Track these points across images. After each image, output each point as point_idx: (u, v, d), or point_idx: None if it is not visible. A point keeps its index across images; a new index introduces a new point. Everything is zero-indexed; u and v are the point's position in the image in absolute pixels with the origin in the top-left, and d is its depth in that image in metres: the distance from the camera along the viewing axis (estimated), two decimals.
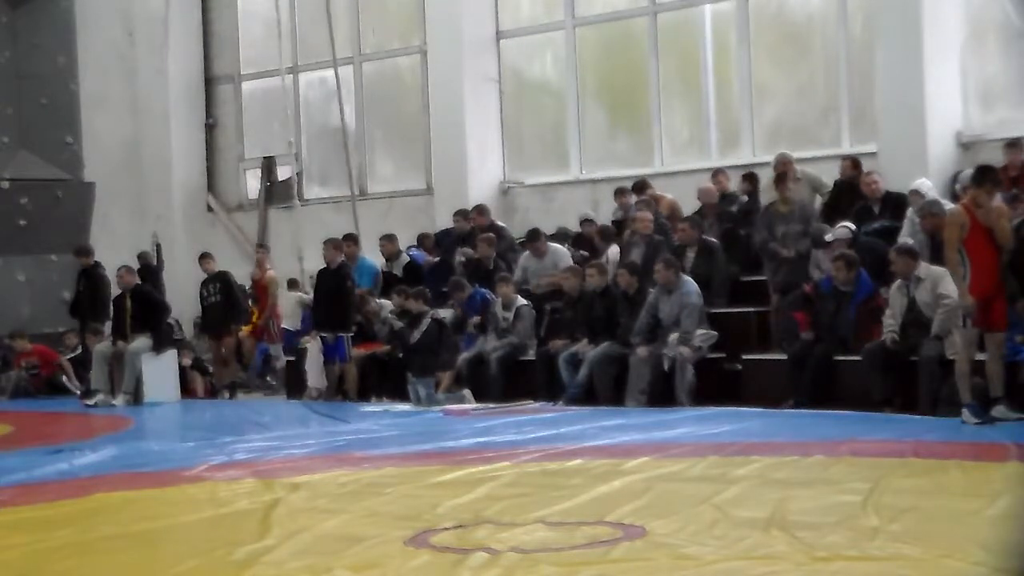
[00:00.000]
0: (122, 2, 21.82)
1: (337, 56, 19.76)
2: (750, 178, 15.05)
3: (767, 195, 14.08)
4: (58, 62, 20.39)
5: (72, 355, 18.38)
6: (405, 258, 16.64)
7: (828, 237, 13.02)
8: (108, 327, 16.87)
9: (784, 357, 12.51)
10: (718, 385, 12.85)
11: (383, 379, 15.19)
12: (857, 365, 11.77)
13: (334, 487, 8.31)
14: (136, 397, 16.03)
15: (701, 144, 17.26)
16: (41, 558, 6.42)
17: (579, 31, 18.21)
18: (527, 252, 15.55)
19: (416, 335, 14.22)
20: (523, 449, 9.71)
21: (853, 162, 14.36)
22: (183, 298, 18.52)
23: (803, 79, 16.70)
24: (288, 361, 17.03)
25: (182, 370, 16.84)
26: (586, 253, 15.54)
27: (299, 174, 20.83)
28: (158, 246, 19.52)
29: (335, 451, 10.31)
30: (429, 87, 19.11)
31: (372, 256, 16.93)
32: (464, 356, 14.56)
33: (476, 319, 14.88)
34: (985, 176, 10.45)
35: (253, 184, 21.55)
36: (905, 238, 12.61)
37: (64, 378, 18.01)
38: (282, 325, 17.85)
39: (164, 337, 16.39)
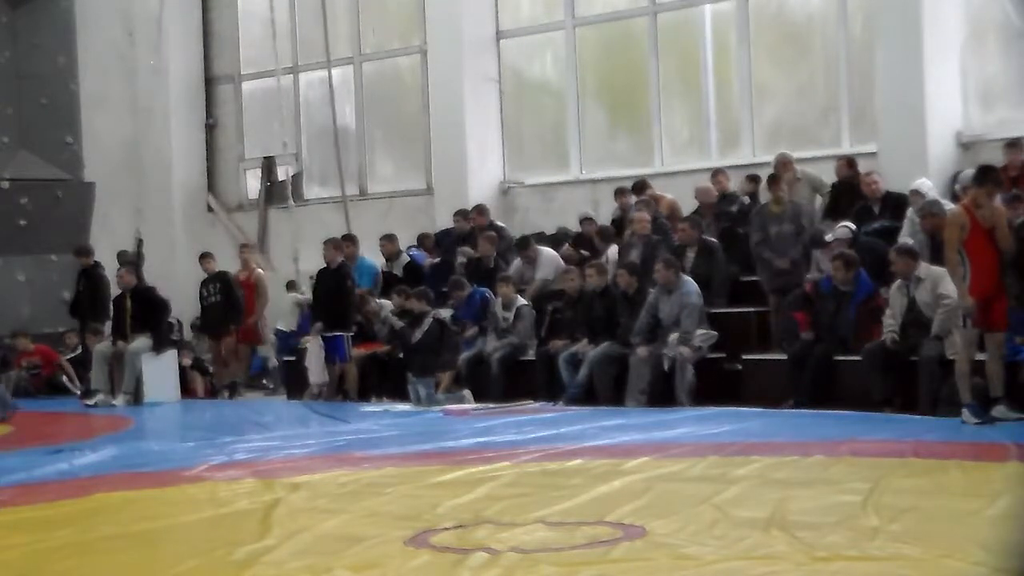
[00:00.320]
0: (122, 2, 21.81)
1: (337, 56, 19.77)
2: (754, 179, 15.03)
3: (765, 195, 14.09)
4: (58, 62, 20.38)
5: (72, 355, 18.38)
6: (405, 258, 16.64)
7: (828, 237, 13.03)
8: (108, 327, 16.86)
9: (784, 357, 12.51)
10: (718, 385, 12.85)
11: (383, 379, 15.19)
12: (857, 365, 11.78)
13: (334, 487, 8.31)
14: (136, 397, 16.02)
15: (701, 144, 17.25)
16: (41, 558, 6.42)
17: (579, 31, 18.20)
18: (518, 259, 15.56)
19: (417, 335, 14.21)
20: (523, 449, 9.71)
21: (848, 162, 14.36)
22: (183, 298, 18.50)
23: (803, 79, 16.70)
24: (287, 361, 17.04)
25: (182, 370, 16.83)
26: (586, 253, 15.54)
27: (296, 175, 20.83)
28: (140, 241, 19.48)
29: (335, 451, 10.31)
30: (429, 87, 19.10)
31: (372, 256, 16.93)
32: (464, 356, 14.56)
33: (474, 330, 14.86)
34: (986, 176, 10.45)
35: (253, 184, 21.55)
36: (905, 238, 12.62)
37: (65, 378, 18.01)
38: (277, 326, 17.87)
39: (164, 337, 16.39)
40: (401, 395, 14.48)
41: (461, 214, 16.76)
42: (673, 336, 12.97)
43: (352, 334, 15.27)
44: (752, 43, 16.63)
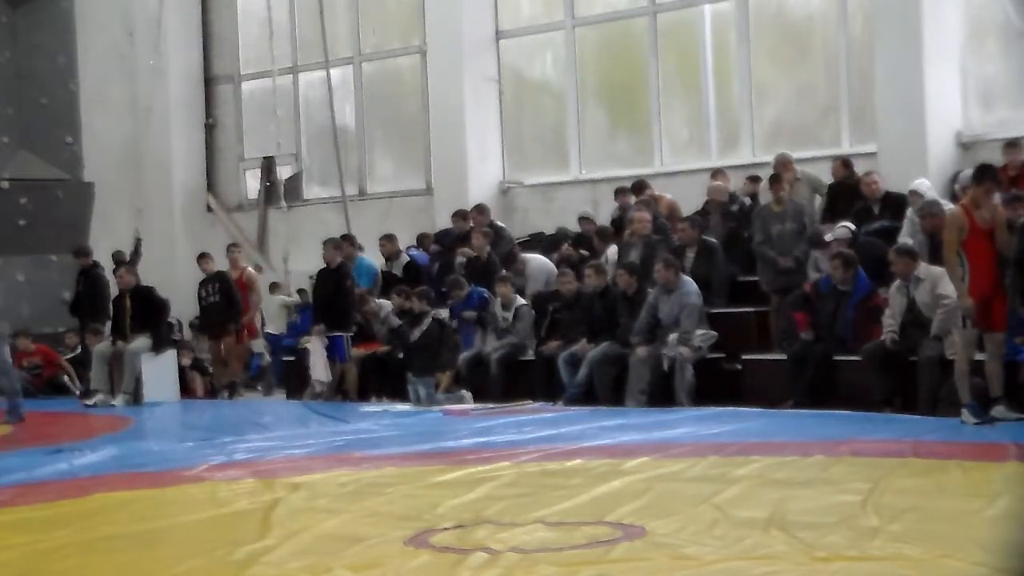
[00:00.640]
0: (122, 2, 21.82)
1: (337, 56, 19.77)
2: (756, 180, 15.02)
3: (765, 195, 14.09)
4: (58, 62, 20.38)
5: (71, 355, 18.38)
6: (405, 258, 16.64)
7: (828, 237, 13.03)
8: (108, 327, 16.86)
9: (784, 357, 12.51)
10: (718, 385, 12.85)
11: (383, 379, 15.19)
12: (857, 365, 11.77)
13: (334, 487, 8.31)
14: (136, 397, 16.02)
15: (701, 144, 17.25)
16: (41, 558, 6.41)
17: (579, 31, 18.21)
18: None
19: (416, 334, 14.21)
20: (523, 449, 9.71)
21: (844, 162, 14.36)
22: (182, 298, 18.51)
23: (803, 79, 16.70)
24: (286, 361, 17.04)
25: (182, 370, 16.84)
26: (585, 253, 15.55)
27: (290, 178, 20.83)
28: (138, 240, 19.48)
29: (335, 451, 10.30)
30: (429, 87, 19.11)
31: (372, 256, 16.93)
32: (464, 356, 14.57)
33: (473, 315, 14.87)
34: (984, 175, 10.46)
35: (253, 184, 21.55)
36: (905, 238, 12.62)
37: (66, 378, 18.00)
38: (266, 329, 17.87)
39: (163, 337, 16.39)
40: (401, 395, 14.48)
41: (459, 215, 16.76)
42: (673, 336, 12.97)
43: (352, 334, 15.28)
44: (752, 43, 16.63)
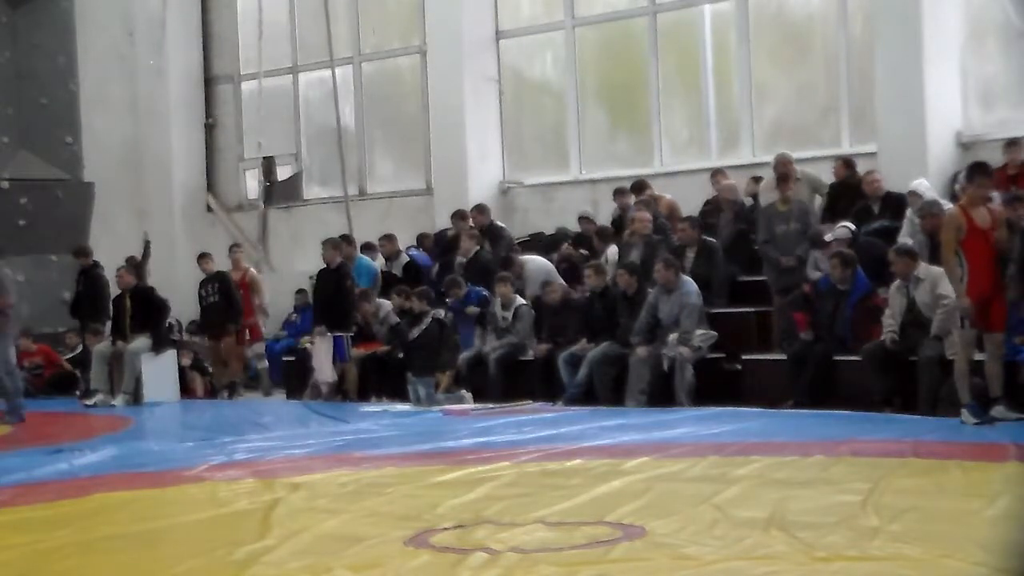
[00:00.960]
0: (122, 2, 21.81)
1: (337, 56, 19.77)
2: (759, 180, 15.01)
3: (766, 195, 14.08)
4: (58, 62, 20.38)
5: (71, 355, 18.37)
6: (405, 258, 16.64)
7: (828, 237, 13.03)
8: (108, 327, 16.86)
9: (784, 357, 12.51)
10: (718, 385, 12.85)
11: (383, 379, 15.19)
12: (857, 365, 11.78)
13: (334, 487, 8.31)
14: (136, 397, 16.03)
15: (701, 144, 17.25)
16: (41, 558, 6.42)
17: (579, 31, 18.20)
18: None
19: (415, 333, 14.21)
20: (523, 449, 9.71)
21: (845, 162, 14.37)
22: (183, 298, 18.50)
23: (803, 79, 16.69)
24: (286, 361, 17.03)
25: (182, 370, 16.83)
26: (585, 252, 15.55)
27: (289, 178, 20.84)
28: (147, 243, 19.50)
29: (335, 451, 10.31)
30: (429, 87, 19.10)
31: (371, 256, 16.93)
32: (464, 356, 14.57)
33: (476, 310, 14.88)
34: (976, 172, 10.50)
35: (253, 184, 21.55)
36: (905, 238, 12.62)
37: (78, 372, 17.92)
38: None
39: (163, 337, 16.39)
40: (401, 395, 14.48)
41: (459, 215, 16.75)
42: (673, 336, 12.97)
43: (352, 334, 15.27)
44: (752, 43, 16.63)
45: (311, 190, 20.98)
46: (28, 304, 19.19)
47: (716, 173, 15.53)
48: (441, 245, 17.09)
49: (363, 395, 15.20)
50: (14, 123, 20.01)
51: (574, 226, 16.57)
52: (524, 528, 6.52)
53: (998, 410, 10.22)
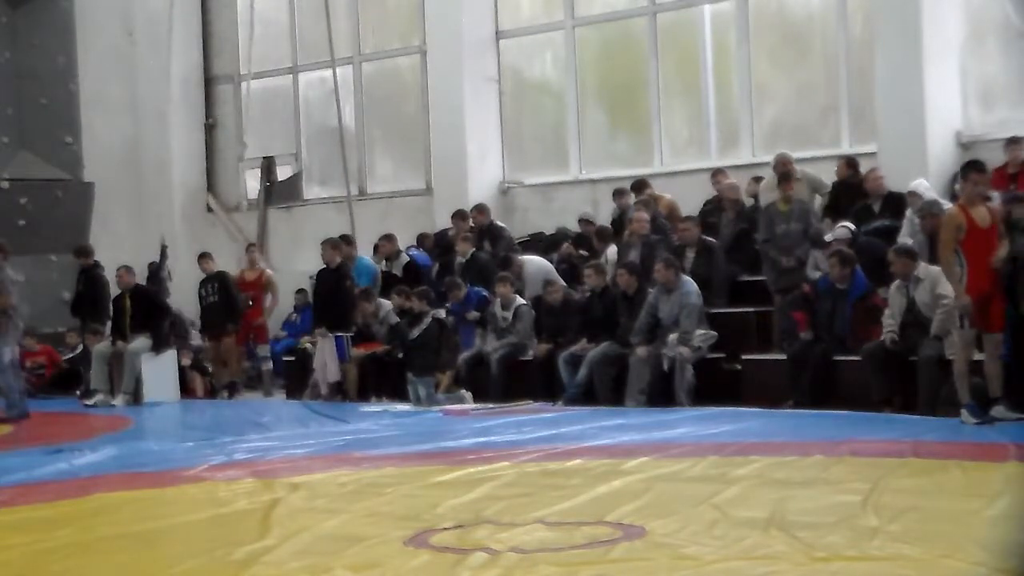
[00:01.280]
0: (122, 2, 21.81)
1: (337, 56, 19.77)
2: (760, 180, 15.01)
3: (766, 195, 14.08)
4: (58, 62, 20.37)
5: (71, 355, 18.37)
6: (405, 258, 16.63)
7: (828, 237, 13.03)
8: (108, 327, 16.86)
9: (784, 357, 12.51)
10: (718, 385, 12.84)
11: (383, 379, 15.19)
12: (857, 365, 11.78)
13: (334, 487, 8.31)
14: (136, 397, 16.03)
15: (701, 144, 17.25)
16: (41, 558, 6.42)
17: (579, 31, 18.20)
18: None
19: (415, 332, 14.21)
20: (523, 449, 9.71)
21: (848, 162, 14.37)
22: (183, 298, 18.49)
23: (803, 79, 16.70)
24: (286, 361, 17.03)
25: (182, 370, 16.83)
26: (585, 253, 15.55)
27: (289, 178, 20.84)
28: (164, 248, 19.52)
29: (335, 451, 10.30)
30: (429, 87, 19.10)
31: (371, 256, 16.93)
32: (464, 356, 14.57)
33: (476, 315, 14.89)
34: (968, 168, 10.54)
35: (253, 184, 21.55)
36: (905, 238, 12.62)
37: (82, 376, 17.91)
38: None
39: (163, 337, 16.38)
40: (401, 395, 14.48)
41: (459, 215, 16.75)
42: (673, 336, 12.97)
43: (351, 334, 15.27)
44: (752, 43, 16.63)
45: (311, 190, 20.98)
46: (28, 304, 19.18)
47: (717, 173, 15.53)
48: (441, 245, 17.09)
49: (363, 395, 15.20)
50: (14, 123, 20.00)
51: (574, 226, 16.57)
52: (524, 528, 6.52)
53: (998, 410, 10.22)
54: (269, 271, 17.74)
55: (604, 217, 16.38)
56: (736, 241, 14.55)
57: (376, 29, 20.41)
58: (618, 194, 15.92)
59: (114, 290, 16.83)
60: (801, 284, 12.82)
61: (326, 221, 19.19)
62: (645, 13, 17.55)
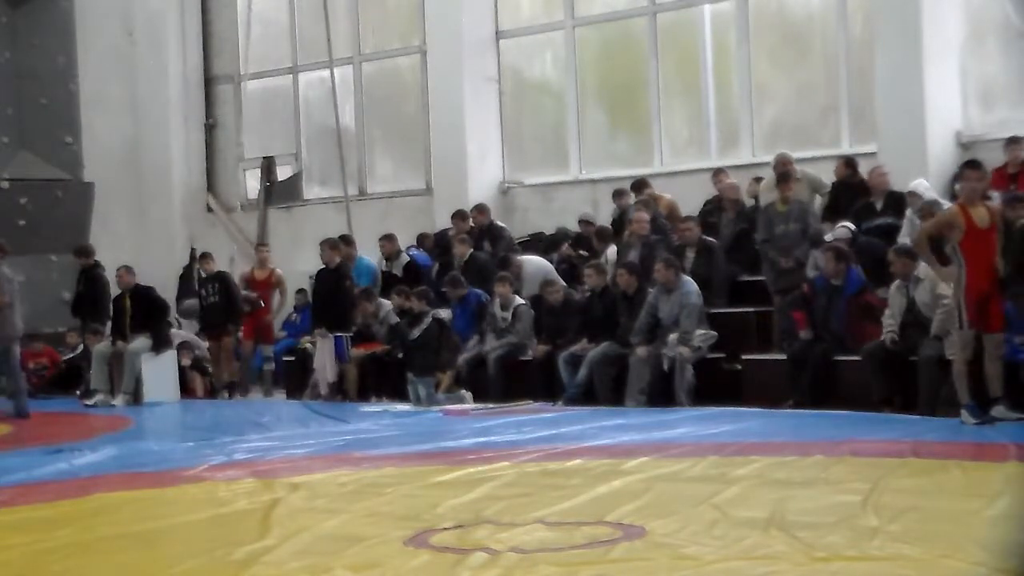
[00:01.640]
0: (122, 2, 21.82)
1: (337, 56, 19.77)
2: (760, 180, 15.00)
3: (766, 195, 14.09)
4: (58, 62, 20.37)
5: (71, 355, 18.37)
6: (405, 258, 16.63)
7: (828, 237, 13.03)
8: (108, 327, 16.86)
9: (784, 357, 12.51)
10: (718, 385, 12.84)
11: (383, 379, 15.19)
12: (857, 365, 11.78)
13: (334, 487, 8.31)
14: (136, 397, 16.02)
15: (701, 144, 17.26)
16: (41, 558, 6.41)
17: (579, 31, 18.21)
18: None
19: (415, 332, 14.21)
20: (523, 449, 9.71)
21: (846, 162, 14.36)
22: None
23: (803, 79, 16.70)
24: (286, 361, 17.03)
25: (182, 370, 16.82)
26: (584, 253, 15.55)
27: (289, 178, 20.84)
28: (194, 251, 19.50)
29: (335, 451, 10.30)
30: (429, 87, 19.10)
31: (371, 256, 16.92)
32: (464, 356, 14.57)
33: (474, 340, 14.85)
34: (964, 167, 10.58)
35: (253, 184, 21.56)
36: (905, 238, 12.62)
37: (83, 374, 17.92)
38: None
39: (163, 337, 16.39)
40: (401, 395, 14.48)
41: (459, 215, 16.75)
42: (672, 336, 12.97)
43: (351, 335, 15.27)
44: (752, 43, 16.63)
45: (311, 190, 20.98)
46: (28, 304, 19.20)
47: (718, 173, 15.53)
48: (441, 245, 17.09)
49: (363, 395, 15.20)
50: (14, 123, 20.00)
51: (574, 226, 16.56)
52: (524, 528, 6.52)
53: (998, 410, 10.22)
54: (279, 271, 17.73)
55: (604, 217, 16.38)
56: (736, 241, 14.57)
57: (376, 29, 20.41)
58: (618, 194, 15.92)
59: (114, 290, 16.83)
60: (798, 284, 12.82)
61: (326, 221, 19.19)
62: (645, 13, 17.55)
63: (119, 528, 7.21)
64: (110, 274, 16.99)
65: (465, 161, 18.26)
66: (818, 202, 14.38)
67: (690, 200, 15.72)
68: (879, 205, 13.57)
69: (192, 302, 18.09)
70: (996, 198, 11.84)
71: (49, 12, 20.28)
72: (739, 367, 13.07)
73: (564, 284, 14.83)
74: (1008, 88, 14.79)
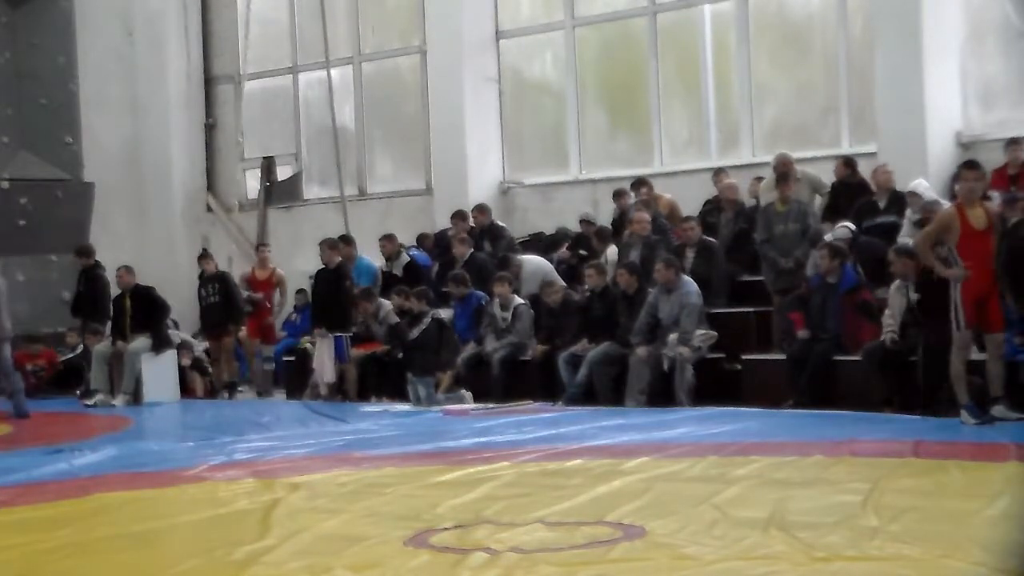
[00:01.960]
0: (122, 2, 21.81)
1: (337, 56, 19.77)
2: (761, 180, 15.00)
3: (766, 195, 14.08)
4: (58, 62, 20.37)
5: (70, 355, 18.37)
6: (405, 258, 16.63)
7: (828, 236, 13.03)
8: (108, 327, 16.86)
9: (784, 357, 12.51)
10: (718, 385, 12.85)
11: (383, 379, 15.19)
12: (857, 365, 11.78)
13: (334, 487, 8.31)
14: (136, 397, 16.02)
15: (701, 144, 17.26)
16: (41, 558, 6.42)
17: (579, 31, 18.21)
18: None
19: (415, 332, 14.21)
20: (523, 449, 9.71)
21: (846, 162, 14.36)
22: (182, 299, 18.50)
23: (803, 79, 16.70)
24: (286, 361, 17.03)
25: (182, 370, 16.82)
26: (584, 253, 15.55)
27: (289, 178, 20.83)
28: (205, 251, 19.50)
29: (335, 451, 10.30)
30: (429, 87, 19.11)
31: (371, 256, 16.92)
32: (464, 356, 14.57)
33: (471, 346, 14.86)
34: (961, 167, 10.59)
35: (253, 184, 21.56)
36: (905, 239, 12.62)
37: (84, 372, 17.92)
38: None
39: (163, 337, 16.38)
40: (401, 395, 14.48)
41: (459, 215, 16.75)
42: (673, 336, 12.97)
43: (351, 335, 15.27)
44: (752, 43, 16.63)
45: (311, 190, 20.98)
46: (28, 304, 19.21)
47: (718, 172, 15.53)
48: (441, 245, 17.09)
49: (363, 395, 15.20)
50: (14, 123, 20.00)
51: (574, 226, 16.56)
52: (524, 528, 6.52)
53: (998, 409, 10.21)
54: (280, 270, 17.73)
55: (604, 217, 16.37)
56: (736, 241, 14.57)
57: (376, 29, 20.40)
58: (618, 195, 15.91)
59: (114, 290, 16.83)
60: (798, 285, 12.82)
61: (326, 221, 19.19)
62: (645, 13, 17.55)
63: (119, 528, 7.21)
64: (110, 274, 16.99)
65: (465, 161, 18.26)
66: (818, 202, 14.38)
67: (690, 200, 15.72)
68: (882, 203, 13.57)
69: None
70: (996, 198, 11.84)
71: (49, 12, 20.28)
72: (739, 367, 13.07)
73: (563, 284, 14.83)
74: (1008, 88, 14.79)
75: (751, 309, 13.75)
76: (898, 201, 13.46)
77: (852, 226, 13.20)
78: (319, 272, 15.69)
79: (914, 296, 11.33)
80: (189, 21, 21.74)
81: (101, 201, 20.64)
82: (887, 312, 11.73)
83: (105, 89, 21.39)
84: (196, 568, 6.05)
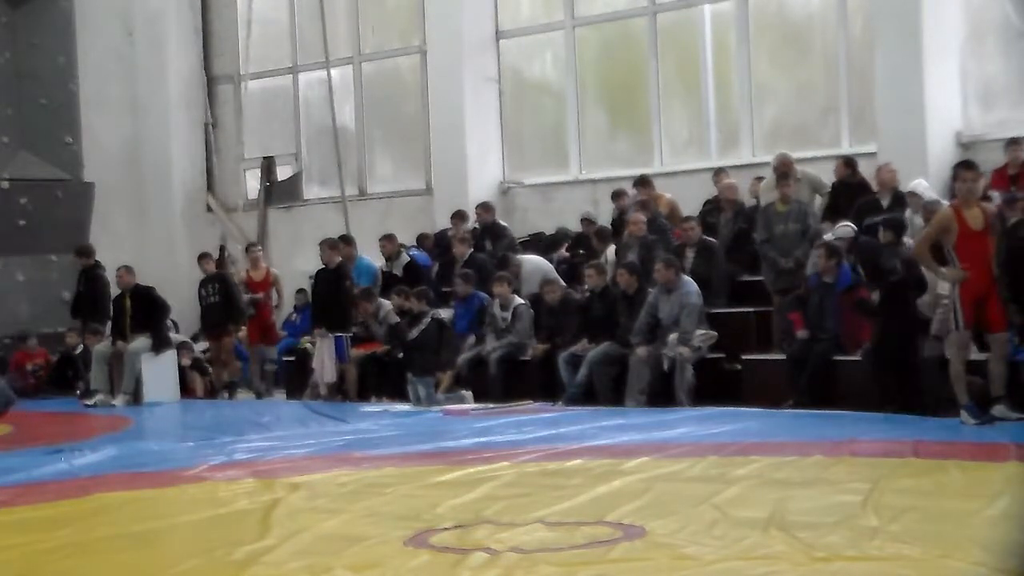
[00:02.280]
0: (122, 2, 21.81)
1: (337, 56, 19.77)
2: (761, 180, 15.00)
3: (766, 195, 14.08)
4: (58, 62, 20.38)
5: (62, 350, 18.36)
6: (405, 258, 16.63)
7: (828, 236, 13.03)
8: (108, 327, 16.86)
9: (784, 357, 12.51)
10: (718, 385, 12.84)
11: (383, 379, 15.19)
12: (857, 365, 11.77)
13: (334, 487, 8.31)
14: (136, 397, 16.03)
15: (701, 144, 17.26)
16: (41, 558, 6.42)
17: (579, 31, 18.21)
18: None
19: (414, 332, 14.21)
20: (523, 449, 9.71)
21: (846, 161, 14.36)
22: (182, 299, 18.50)
23: (803, 79, 16.70)
24: (286, 361, 17.03)
25: (182, 370, 16.82)
26: (583, 252, 15.54)
27: (289, 178, 20.84)
28: (223, 248, 19.50)
29: (335, 451, 10.30)
30: (429, 87, 19.11)
31: (372, 256, 16.92)
32: (464, 356, 14.57)
33: (471, 340, 14.86)
34: (958, 167, 10.58)
35: (253, 184, 21.56)
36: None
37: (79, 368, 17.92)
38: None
39: (163, 337, 16.38)
40: (401, 395, 14.48)
41: (458, 216, 16.75)
42: (672, 336, 12.97)
43: (351, 335, 15.27)
44: (752, 43, 16.64)
45: (311, 190, 20.98)
46: (28, 304, 19.23)
47: (718, 172, 15.52)
48: (441, 245, 17.09)
49: (363, 395, 15.20)
50: (14, 123, 20.01)
51: (574, 226, 16.56)
52: (524, 528, 6.52)
53: (999, 409, 10.20)
54: (275, 270, 17.72)
55: (604, 217, 16.37)
56: (736, 241, 14.57)
57: (376, 29, 20.40)
58: (617, 195, 15.91)
59: (114, 290, 16.83)
60: (798, 285, 12.81)
61: (326, 221, 19.19)
62: (645, 13, 17.55)
63: (119, 528, 7.21)
64: (110, 274, 16.99)
65: (465, 161, 18.26)
66: (818, 202, 14.37)
67: (690, 200, 15.72)
68: (886, 202, 13.56)
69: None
70: (996, 199, 11.84)
71: (49, 12, 20.29)
72: (739, 367, 13.07)
73: (563, 284, 14.83)
74: (1008, 88, 14.79)
75: (751, 309, 13.75)
76: (901, 201, 13.45)
77: (853, 226, 13.19)
78: (319, 272, 15.68)
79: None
80: (189, 21, 21.74)
81: (101, 201, 20.64)
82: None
83: (105, 89, 21.40)
84: (196, 568, 6.05)
